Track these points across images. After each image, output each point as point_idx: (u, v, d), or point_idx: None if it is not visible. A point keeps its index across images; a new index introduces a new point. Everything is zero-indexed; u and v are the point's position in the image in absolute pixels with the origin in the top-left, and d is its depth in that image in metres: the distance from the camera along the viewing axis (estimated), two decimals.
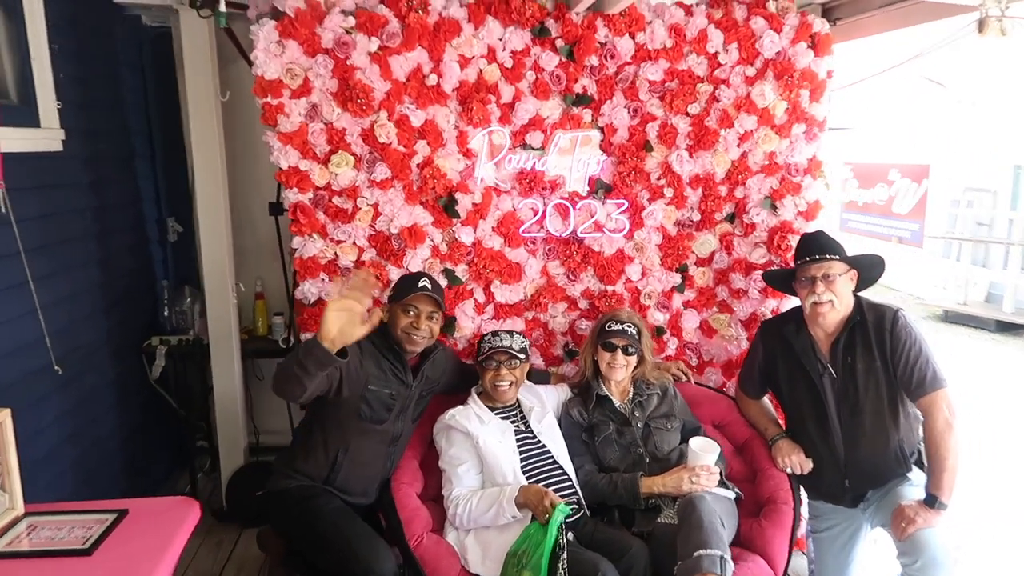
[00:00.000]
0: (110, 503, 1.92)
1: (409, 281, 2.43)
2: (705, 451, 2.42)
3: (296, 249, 2.70)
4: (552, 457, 2.51)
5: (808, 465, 2.57)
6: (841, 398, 2.48)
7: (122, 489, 3.24)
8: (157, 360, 3.31)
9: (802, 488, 2.66)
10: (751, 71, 2.80)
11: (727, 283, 2.98)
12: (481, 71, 2.72)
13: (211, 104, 2.98)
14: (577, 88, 2.81)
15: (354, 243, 2.74)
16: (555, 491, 2.40)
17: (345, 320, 1.93)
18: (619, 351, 2.60)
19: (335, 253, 2.73)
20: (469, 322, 2.89)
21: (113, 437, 3.17)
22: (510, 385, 2.56)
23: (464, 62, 2.70)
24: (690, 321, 3.02)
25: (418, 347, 2.40)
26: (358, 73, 2.59)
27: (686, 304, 3.03)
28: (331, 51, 2.56)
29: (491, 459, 2.41)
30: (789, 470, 2.58)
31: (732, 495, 2.51)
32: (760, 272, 2.89)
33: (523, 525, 2.25)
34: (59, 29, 2.80)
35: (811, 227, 2.90)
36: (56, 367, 2.69)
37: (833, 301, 2.43)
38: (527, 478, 2.41)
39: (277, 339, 3.42)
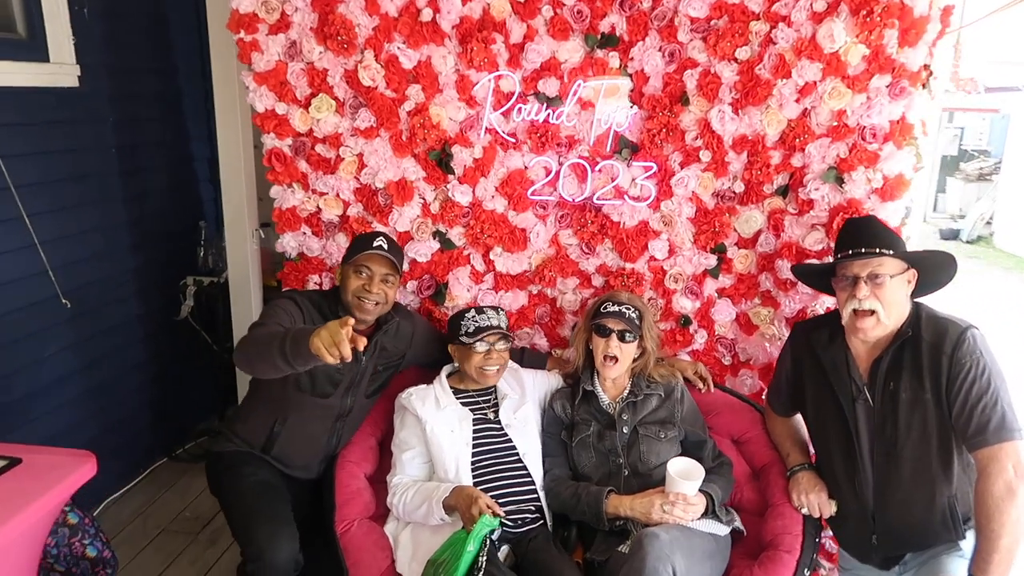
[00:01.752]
0: (8, 448, 1.88)
1: (363, 240, 2.19)
2: (684, 477, 2.00)
3: (275, 198, 2.53)
4: (517, 455, 2.19)
5: (830, 508, 2.06)
6: (877, 433, 1.94)
7: (149, 419, 3.35)
8: (185, 300, 3.34)
9: (830, 532, 2.17)
10: (820, 4, 2.20)
11: (773, 271, 2.44)
12: (487, 5, 2.35)
13: (230, 37, 2.85)
14: (604, 27, 2.36)
15: (338, 195, 2.52)
16: (511, 495, 2.12)
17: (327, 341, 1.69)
18: (614, 336, 2.21)
19: (317, 206, 2.53)
20: (464, 291, 2.60)
21: (138, 371, 3.25)
22: (499, 368, 2.26)
23: None
24: (724, 313, 2.52)
25: (369, 315, 2.16)
26: (340, 7, 2.32)
27: (721, 292, 2.53)
28: None
29: (436, 450, 2.14)
30: (805, 510, 2.09)
31: (724, 530, 2.07)
32: (812, 261, 2.33)
33: (455, 529, 1.98)
34: None
35: (889, 209, 2.28)
36: (64, 300, 2.75)
37: (878, 313, 1.88)
38: (478, 476, 2.12)
39: None
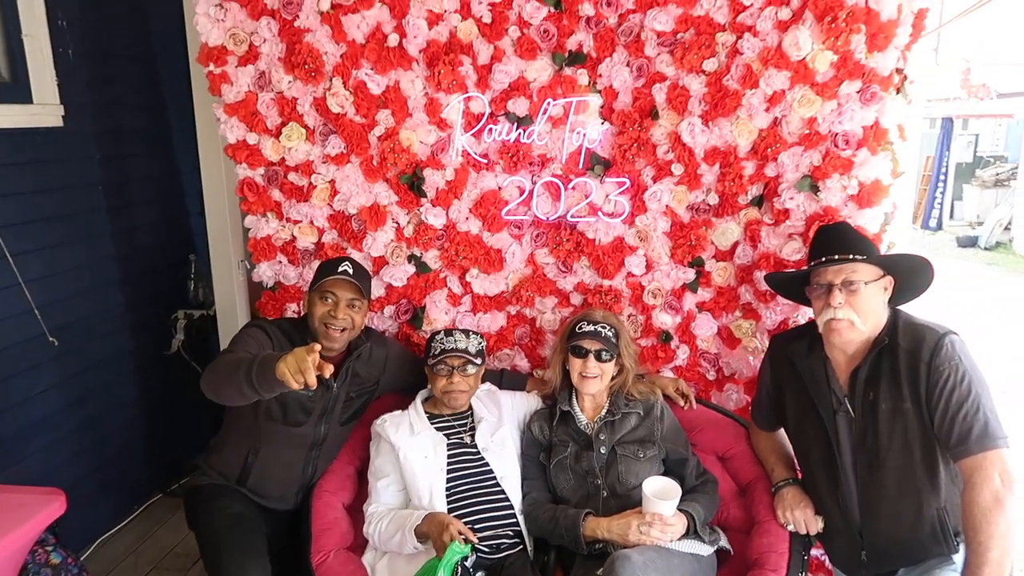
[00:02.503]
0: None
1: (328, 266, 2.18)
2: (661, 496, 1.94)
3: (249, 228, 2.54)
4: (494, 479, 2.15)
5: (816, 525, 1.99)
6: (858, 445, 1.88)
7: (143, 455, 3.35)
8: (177, 334, 3.36)
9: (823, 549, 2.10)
10: (785, 13, 2.18)
11: (752, 283, 2.39)
12: (454, 28, 2.36)
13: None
14: (571, 44, 2.36)
15: (312, 223, 2.53)
16: (489, 520, 2.08)
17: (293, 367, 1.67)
18: (591, 356, 2.17)
19: (292, 234, 2.54)
20: (442, 315, 2.58)
21: (129, 406, 3.26)
22: (463, 392, 2.23)
23: (434, 19, 2.36)
24: (705, 327, 2.47)
25: (337, 341, 2.14)
26: (307, 36, 2.34)
27: (701, 306, 2.48)
28: (276, 12, 2.33)
29: (409, 476, 2.11)
30: (791, 527, 2.02)
31: (707, 550, 2.01)
32: (791, 271, 2.29)
33: (430, 557, 1.94)
34: (68, 4, 2.84)
35: (867, 216, 2.23)
36: (51, 338, 2.77)
37: (853, 320, 1.83)
38: (453, 501, 2.09)
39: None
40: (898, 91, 2.23)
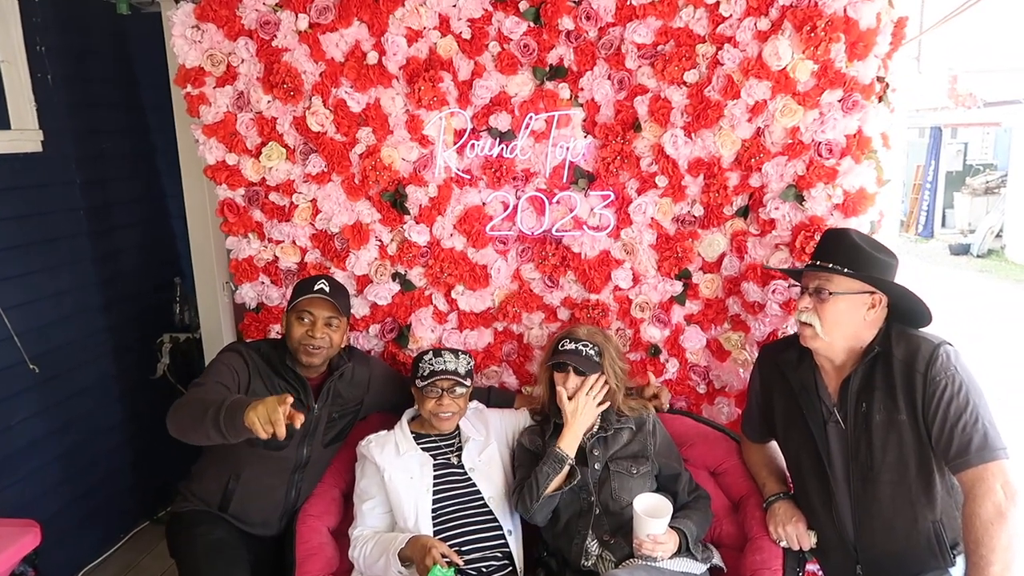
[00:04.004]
0: None
1: (304, 284, 2.15)
2: (652, 514, 1.90)
3: (230, 249, 2.51)
4: (482, 499, 2.11)
5: (808, 540, 1.96)
6: (851, 457, 1.85)
7: (130, 481, 3.29)
8: (162, 358, 3.31)
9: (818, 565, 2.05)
10: (764, 23, 2.17)
11: (740, 294, 2.37)
12: (434, 45, 2.35)
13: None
14: (552, 59, 2.35)
15: (294, 243, 2.50)
16: (476, 542, 2.03)
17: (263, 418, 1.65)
18: (571, 372, 2.14)
19: (274, 254, 2.51)
20: (428, 332, 2.55)
21: (114, 432, 3.21)
22: (453, 415, 2.19)
23: (413, 36, 2.35)
24: (694, 340, 2.45)
25: (315, 359, 2.11)
26: (285, 55, 2.33)
27: (689, 319, 2.45)
28: (254, 32, 2.32)
29: (395, 498, 2.06)
30: (784, 543, 1.98)
31: (700, 568, 1.97)
32: (779, 282, 2.27)
33: None
34: (47, 30, 2.82)
35: (852, 224, 2.21)
36: (32, 366, 2.73)
37: (816, 328, 1.81)
38: (439, 523, 2.04)
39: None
40: (880, 99, 2.22)
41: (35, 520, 2.00)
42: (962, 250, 11.93)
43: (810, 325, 1.81)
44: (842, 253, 1.85)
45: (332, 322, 2.12)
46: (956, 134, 15.13)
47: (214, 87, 2.38)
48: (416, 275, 2.51)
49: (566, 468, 2.04)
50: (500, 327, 2.56)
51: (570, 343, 2.16)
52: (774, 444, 2.17)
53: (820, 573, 2.15)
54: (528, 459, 2.21)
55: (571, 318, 2.51)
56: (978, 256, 11.63)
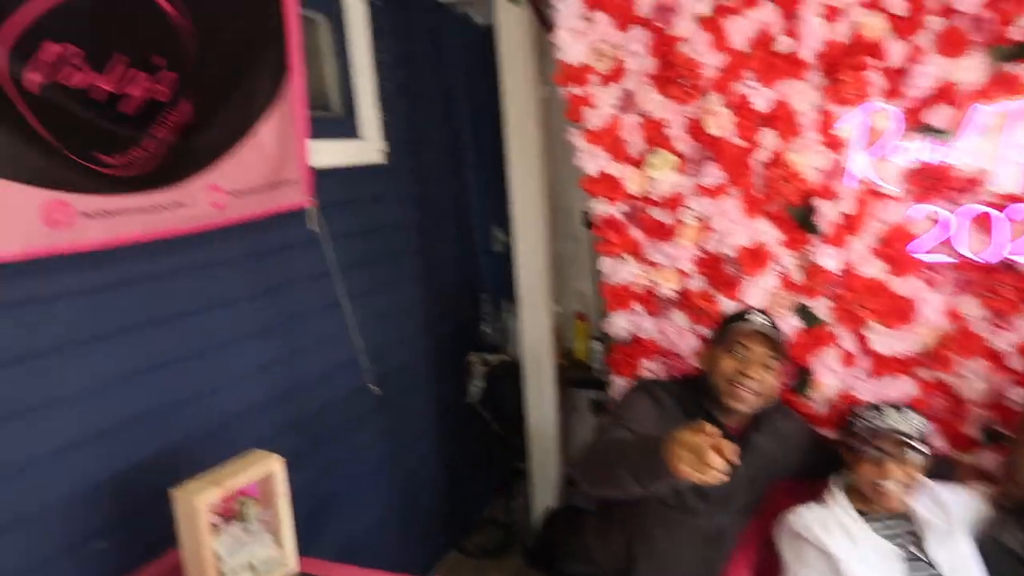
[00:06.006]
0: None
1: (736, 316, 1.83)
2: None
3: (604, 272, 2.22)
4: None
5: None
6: None
7: (443, 513, 3.15)
8: (475, 380, 3.15)
9: None
10: None
11: None
12: (858, 25, 1.92)
13: (527, 99, 2.66)
14: (1015, 33, 1.82)
15: (676, 267, 2.16)
16: None
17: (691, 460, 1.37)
18: None
19: (651, 280, 2.18)
20: (832, 378, 2.10)
21: (433, 458, 3.07)
22: (900, 488, 1.73)
23: (831, 14, 1.93)
24: None
25: (745, 404, 1.75)
26: (682, 45, 2.00)
27: None
28: (648, 21, 2.01)
29: None
30: None
31: None
32: None
33: None
34: (387, 37, 2.73)
35: None
36: (374, 388, 2.63)
37: None
38: None
39: (592, 365, 3.01)
40: None
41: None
42: None
43: None
44: None
45: (770, 363, 1.76)
46: None
47: (599, 85, 2.10)
48: (822, 307, 2.07)
49: None
50: (926, 375, 2.05)
51: None
52: None
53: None
54: (1007, 566, 1.68)
55: None
56: None
